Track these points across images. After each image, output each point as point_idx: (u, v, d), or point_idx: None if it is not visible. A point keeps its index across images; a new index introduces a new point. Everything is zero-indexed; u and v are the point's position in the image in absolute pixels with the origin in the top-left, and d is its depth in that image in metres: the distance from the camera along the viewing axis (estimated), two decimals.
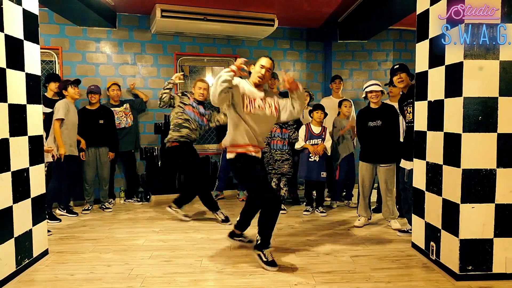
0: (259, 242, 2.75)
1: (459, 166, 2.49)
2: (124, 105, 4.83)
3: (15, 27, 2.62)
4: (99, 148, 4.52)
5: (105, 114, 4.53)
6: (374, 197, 3.96)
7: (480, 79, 2.44)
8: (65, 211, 4.29)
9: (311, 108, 4.45)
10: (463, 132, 2.46)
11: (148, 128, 5.27)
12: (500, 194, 2.49)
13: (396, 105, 3.91)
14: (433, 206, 2.81)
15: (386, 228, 3.75)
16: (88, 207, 4.51)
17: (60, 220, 4.04)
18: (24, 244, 2.72)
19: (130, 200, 4.99)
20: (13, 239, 2.60)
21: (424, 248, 2.95)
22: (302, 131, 4.36)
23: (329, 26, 5.69)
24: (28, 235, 2.77)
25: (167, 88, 3.92)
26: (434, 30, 2.76)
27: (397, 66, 3.46)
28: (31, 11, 2.82)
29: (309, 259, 2.94)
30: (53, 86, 4.33)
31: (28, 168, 2.76)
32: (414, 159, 3.09)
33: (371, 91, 3.69)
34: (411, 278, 2.60)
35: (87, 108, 4.54)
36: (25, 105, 2.73)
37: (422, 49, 2.93)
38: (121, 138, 4.76)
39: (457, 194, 2.51)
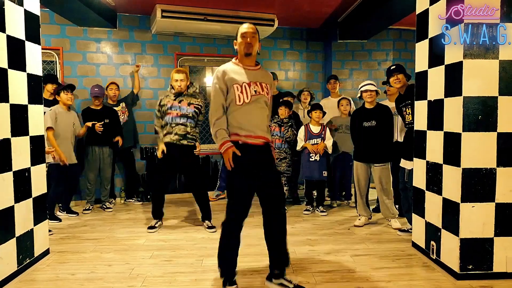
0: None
1: (459, 166, 2.49)
2: (121, 104, 4.85)
3: (16, 27, 2.63)
4: (102, 148, 4.53)
5: (109, 114, 4.55)
6: (373, 196, 3.96)
7: (480, 79, 2.45)
8: (65, 212, 4.30)
9: (310, 108, 4.46)
10: (463, 131, 2.47)
11: (148, 128, 5.27)
12: (500, 193, 2.49)
13: (393, 104, 3.92)
14: (433, 205, 2.81)
15: (387, 228, 3.75)
16: (89, 207, 4.52)
17: (61, 220, 4.05)
18: (25, 243, 2.73)
19: (131, 200, 5.00)
20: (15, 238, 2.60)
21: (424, 248, 2.95)
22: (301, 131, 4.37)
23: (329, 26, 5.70)
24: (29, 234, 2.78)
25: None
26: (433, 29, 2.77)
27: (394, 67, 3.47)
28: (32, 11, 2.82)
29: (309, 258, 2.95)
30: (49, 87, 4.32)
31: (29, 168, 2.77)
32: (414, 158, 3.10)
33: (366, 91, 3.71)
34: (411, 277, 2.61)
35: (91, 108, 4.57)
36: (26, 105, 2.74)
37: (421, 49, 2.94)
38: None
39: (457, 194, 2.51)
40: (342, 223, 3.96)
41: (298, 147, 4.35)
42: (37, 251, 2.88)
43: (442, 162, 2.69)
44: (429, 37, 2.83)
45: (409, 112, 3.35)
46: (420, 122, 2.98)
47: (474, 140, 2.47)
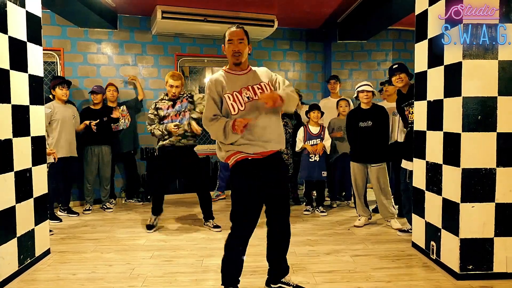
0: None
1: (458, 166, 2.50)
2: (121, 107, 4.82)
3: (18, 29, 2.64)
4: (101, 147, 4.54)
5: (108, 113, 4.55)
6: (373, 197, 3.96)
7: (479, 79, 2.46)
8: (65, 212, 4.31)
9: (307, 109, 4.46)
10: (463, 131, 2.47)
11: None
12: (500, 193, 2.50)
13: (392, 104, 3.93)
14: (433, 205, 2.82)
15: (386, 228, 3.76)
16: (89, 207, 4.53)
17: (61, 220, 4.06)
18: (26, 243, 2.74)
19: (131, 200, 5.01)
20: (16, 238, 2.61)
21: (424, 248, 2.96)
22: (300, 132, 4.38)
23: (329, 27, 5.71)
24: (30, 234, 2.79)
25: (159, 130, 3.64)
26: (433, 30, 2.77)
27: (396, 66, 3.47)
28: (34, 13, 2.84)
29: (309, 258, 2.95)
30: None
31: (30, 168, 2.78)
32: (414, 158, 3.10)
33: (362, 91, 3.73)
34: (411, 277, 2.62)
35: (90, 107, 4.60)
36: (28, 106, 2.75)
37: (421, 49, 2.95)
38: (121, 140, 4.77)
39: (457, 194, 2.52)
40: (342, 223, 3.97)
41: (297, 148, 4.36)
42: (38, 251, 2.89)
43: (442, 162, 2.70)
44: (428, 37, 2.84)
45: (412, 111, 3.36)
46: (420, 122, 2.98)
47: (473, 140, 2.47)
